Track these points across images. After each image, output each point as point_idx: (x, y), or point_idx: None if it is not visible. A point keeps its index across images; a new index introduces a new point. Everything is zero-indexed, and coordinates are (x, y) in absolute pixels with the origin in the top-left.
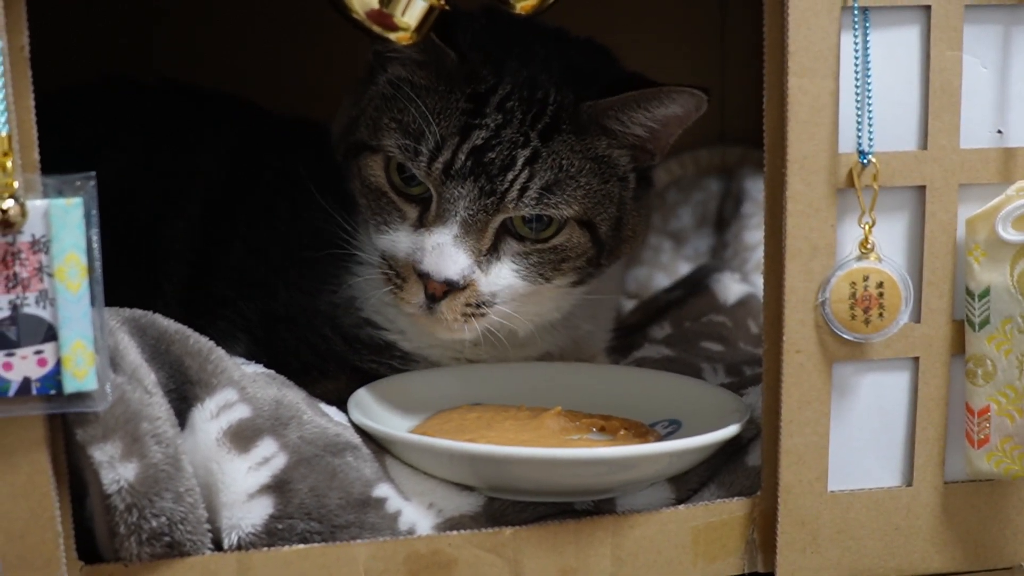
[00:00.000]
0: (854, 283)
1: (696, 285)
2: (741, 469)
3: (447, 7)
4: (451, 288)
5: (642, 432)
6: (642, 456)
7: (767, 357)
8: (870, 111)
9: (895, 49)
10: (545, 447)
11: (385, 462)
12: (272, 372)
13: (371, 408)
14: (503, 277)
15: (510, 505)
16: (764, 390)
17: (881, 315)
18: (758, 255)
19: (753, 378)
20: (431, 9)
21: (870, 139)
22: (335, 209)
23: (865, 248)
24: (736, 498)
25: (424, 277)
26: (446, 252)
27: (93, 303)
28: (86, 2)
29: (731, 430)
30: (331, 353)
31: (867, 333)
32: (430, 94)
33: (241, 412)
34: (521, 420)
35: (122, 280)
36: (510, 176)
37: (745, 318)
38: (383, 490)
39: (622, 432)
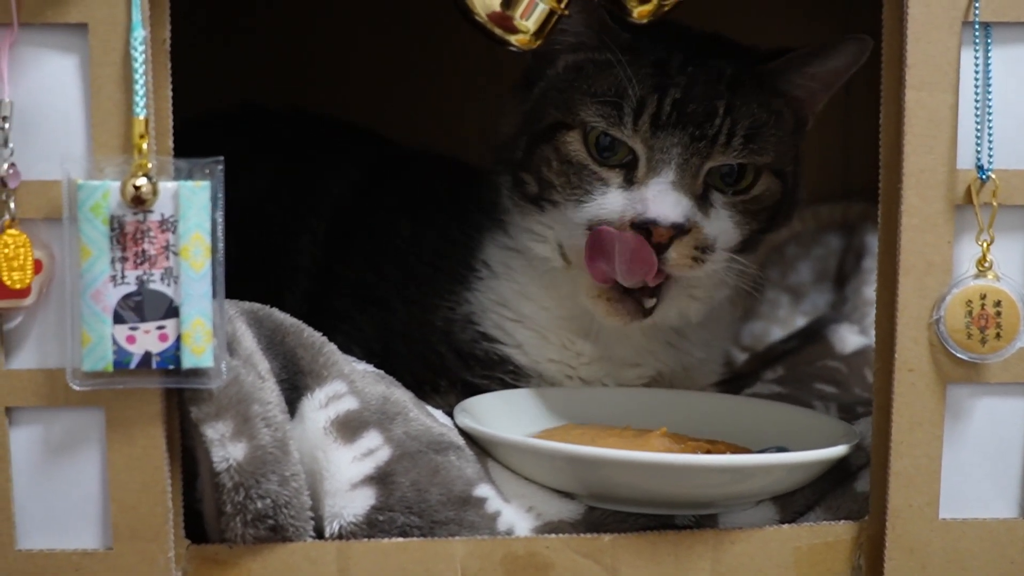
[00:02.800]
0: (970, 301)
1: (813, 335)
2: (849, 494)
3: (567, 12)
4: (677, 232)
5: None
6: (752, 467)
7: (878, 376)
8: (990, 126)
9: (1017, 64)
10: None
11: (487, 465)
12: (381, 372)
13: (477, 416)
14: (721, 220)
15: (610, 515)
16: (875, 411)
17: (999, 335)
18: None
19: (864, 413)
20: (551, 13)
21: (990, 155)
22: (458, 227)
23: (983, 266)
24: (843, 522)
25: (649, 225)
26: (669, 197)
27: (214, 284)
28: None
29: (843, 448)
30: (444, 368)
31: (983, 354)
32: (613, 67)
33: (349, 404)
34: (626, 438)
35: (251, 291)
36: (716, 122)
37: (861, 367)
38: (484, 490)
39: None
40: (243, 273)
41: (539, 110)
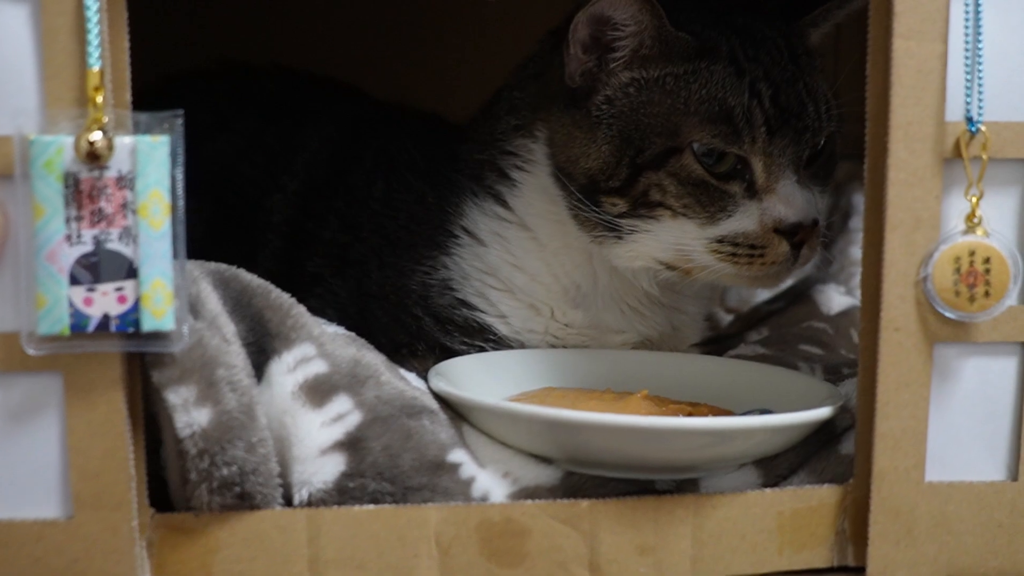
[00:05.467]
0: (959, 258)
1: (798, 296)
2: (833, 457)
3: None
4: (814, 226)
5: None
6: (733, 430)
7: (863, 336)
8: (980, 77)
9: (1009, 13)
10: None
11: (462, 429)
12: (353, 334)
13: (452, 380)
14: (820, 200)
15: (589, 480)
16: (860, 371)
17: (987, 293)
18: None
19: (852, 375)
20: None
21: (980, 107)
22: (435, 189)
23: (971, 222)
24: (827, 485)
25: (794, 229)
26: (801, 198)
27: (174, 243)
28: None
29: (827, 410)
30: (421, 333)
31: (971, 312)
32: (699, 77)
33: (318, 367)
34: (605, 401)
35: (225, 252)
36: (809, 108)
37: (848, 328)
38: (458, 455)
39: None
40: (219, 233)
41: (632, 137)
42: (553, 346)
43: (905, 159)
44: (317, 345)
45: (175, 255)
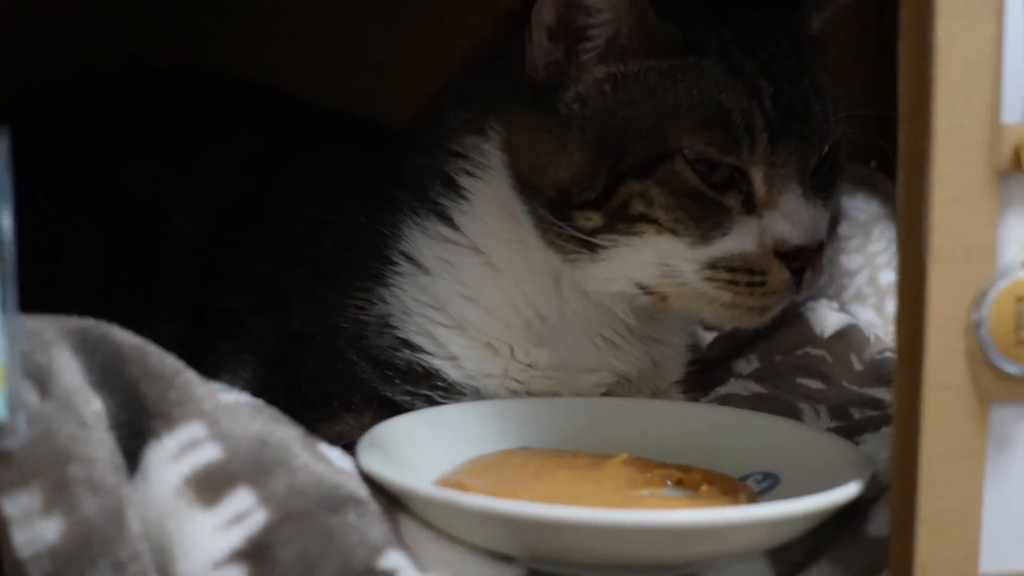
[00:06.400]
0: (1020, 298)
1: (788, 315)
2: (860, 540)
3: None
4: (820, 249)
5: (730, 488)
6: (734, 524)
7: (900, 394)
8: None
9: None
10: (606, 506)
11: (399, 522)
12: (259, 403)
13: (389, 449)
14: (825, 214)
15: None
16: (895, 439)
17: None
18: (857, 282)
19: (866, 423)
20: None
21: None
22: (371, 208)
23: None
24: None
25: (796, 253)
26: (806, 215)
27: (3, 306)
28: None
29: (851, 489)
30: (356, 381)
31: None
32: (688, 74)
33: (210, 453)
34: (577, 470)
35: (122, 294)
36: (816, 109)
37: (846, 353)
38: (393, 559)
39: (704, 487)
40: (117, 270)
41: (610, 142)
42: (514, 392)
43: (951, 173)
44: (209, 423)
45: (4, 323)
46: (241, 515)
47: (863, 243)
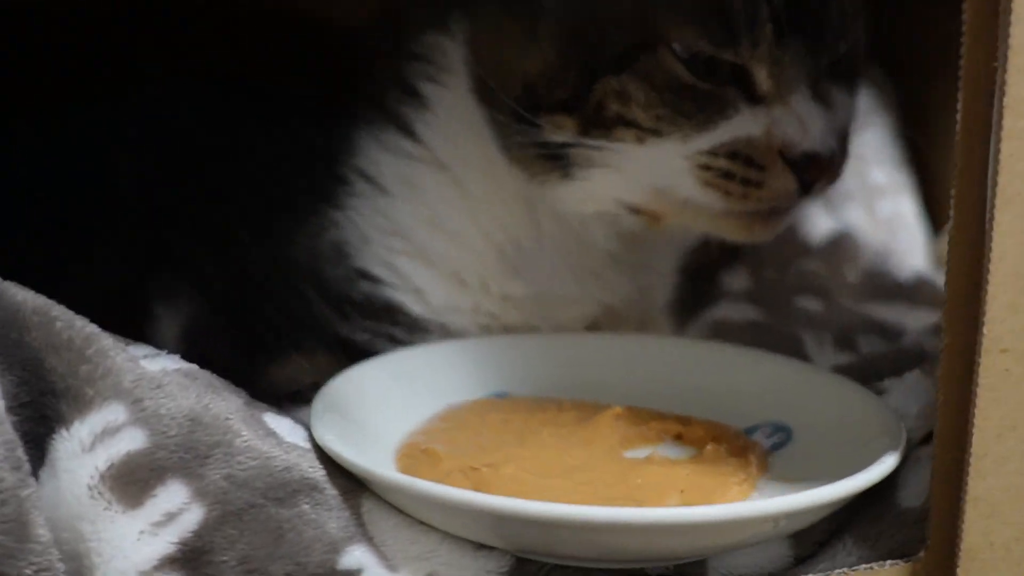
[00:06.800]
0: None
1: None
2: (891, 513)
3: None
4: (832, 158)
5: (738, 447)
6: (747, 519)
7: (948, 356)
8: None
9: None
10: (600, 473)
11: (361, 506)
12: (191, 369)
13: (348, 409)
14: (843, 123)
15: (552, 569)
16: (941, 405)
17: None
18: (845, 181)
19: (878, 361)
20: None
21: None
22: (319, 121)
23: None
24: (888, 563)
25: (806, 161)
26: (819, 121)
27: None
28: None
29: (885, 465)
30: (310, 318)
31: None
32: None
33: (133, 441)
34: (565, 427)
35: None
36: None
37: (840, 264)
38: (356, 556)
39: (709, 446)
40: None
41: (585, 31)
42: (487, 329)
43: None
44: (131, 403)
45: None
46: (172, 514)
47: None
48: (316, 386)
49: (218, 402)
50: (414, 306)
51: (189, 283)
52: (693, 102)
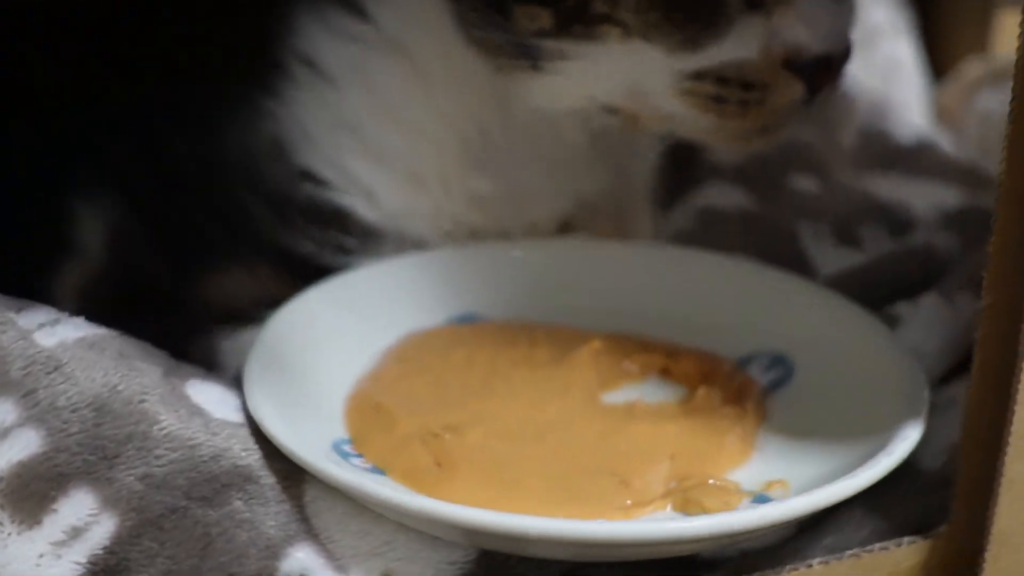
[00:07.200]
0: None
1: None
2: (907, 478)
3: None
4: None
5: (732, 392)
6: (742, 530)
7: (987, 319)
8: None
9: None
10: (577, 430)
11: (304, 495)
12: (99, 334)
13: (290, 358)
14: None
15: (520, 561)
16: (976, 373)
17: None
18: None
19: (886, 263)
20: None
21: None
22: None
23: None
24: (906, 541)
25: (816, 64)
26: (829, 15)
27: None
28: None
29: (908, 442)
30: (248, 224)
31: None
32: None
33: (25, 446)
34: (538, 369)
35: None
36: None
37: (833, 128)
38: (298, 559)
39: (701, 391)
40: None
41: None
42: (450, 235)
43: None
44: (21, 397)
45: None
46: (78, 530)
47: None
48: (258, 304)
49: (130, 380)
50: (365, 211)
51: (110, 180)
52: (687, 7)
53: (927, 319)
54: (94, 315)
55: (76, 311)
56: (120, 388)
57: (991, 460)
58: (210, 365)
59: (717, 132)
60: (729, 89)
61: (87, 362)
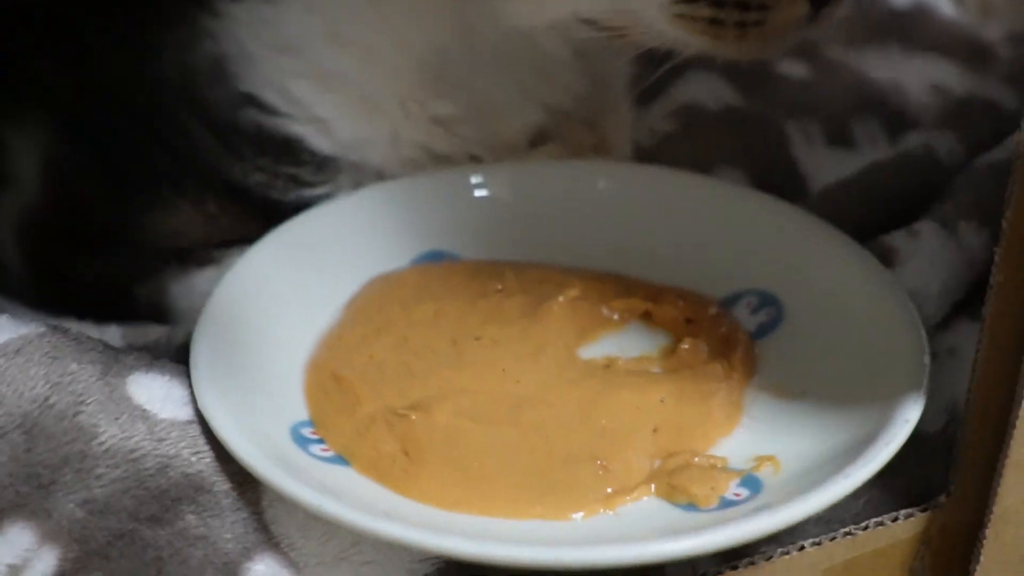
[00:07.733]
0: None
1: None
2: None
3: None
4: None
5: (717, 336)
6: (731, 542)
7: (1001, 299)
8: None
9: None
10: (551, 399)
11: (261, 500)
12: (27, 334)
13: (245, 324)
14: None
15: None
16: (984, 342)
17: None
18: None
19: (880, 173)
20: None
21: None
22: None
23: None
24: (903, 513)
25: None
26: None
27: None
28: None
29: (903, 431)
30: (191, 153)
31: None
32: None
33: None
34: (511, 324)
35: None
36: None
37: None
38: (258, 572)
39: (686, 344)
40: None
41: None
42: (413, 162)
43: None
44: None
45: None
46: (17, 568)
47: None
48: (208, 243)
49: (63, 390)
50: (318, 140)
51: (41, 104)
52: None
53: (927, 255)
54: (32, 253)
55: (13, 248)
56: (52, 401)
57: (1003, 437)
58: (159, 309)
59: (712, 52)
60: (724, 11)
61: (16, 371)
